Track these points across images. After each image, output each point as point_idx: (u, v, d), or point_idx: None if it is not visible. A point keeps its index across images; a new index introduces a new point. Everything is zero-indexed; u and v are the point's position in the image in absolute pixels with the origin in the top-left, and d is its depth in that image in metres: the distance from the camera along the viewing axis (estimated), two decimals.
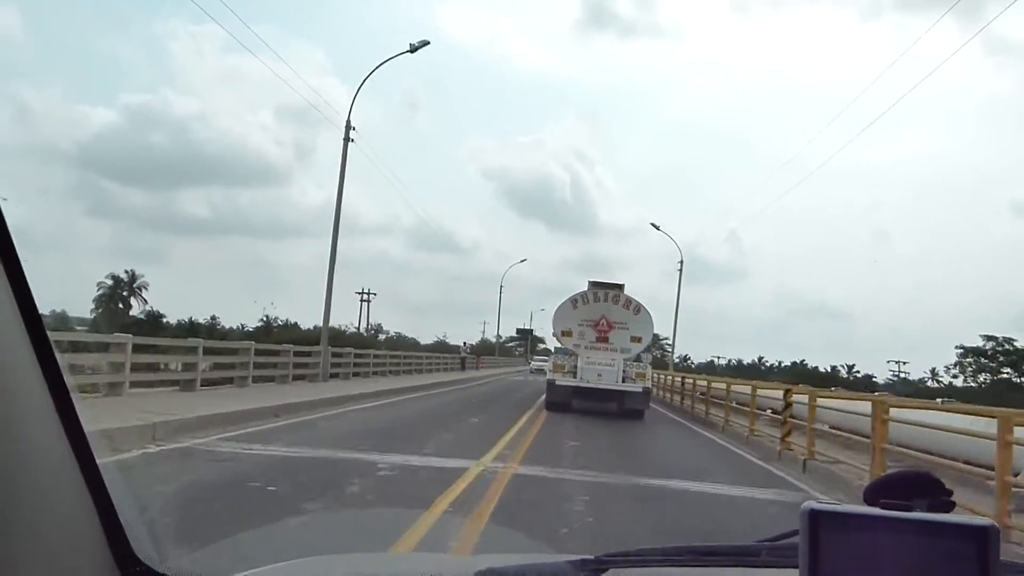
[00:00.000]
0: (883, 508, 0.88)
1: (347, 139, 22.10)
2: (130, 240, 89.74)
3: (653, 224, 42.02)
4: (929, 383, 67.76)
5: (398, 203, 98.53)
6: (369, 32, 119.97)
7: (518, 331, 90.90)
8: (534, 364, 56.82)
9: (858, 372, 73.18)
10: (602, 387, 18.81)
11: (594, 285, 20.26)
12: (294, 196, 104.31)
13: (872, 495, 0.96)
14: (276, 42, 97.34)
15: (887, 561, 0.82)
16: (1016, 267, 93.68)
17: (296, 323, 46.76)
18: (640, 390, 18.83)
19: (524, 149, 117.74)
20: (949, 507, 0.98)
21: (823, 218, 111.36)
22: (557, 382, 19.04)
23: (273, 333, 40.94)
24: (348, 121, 22.09)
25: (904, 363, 74.69)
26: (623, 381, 18.82)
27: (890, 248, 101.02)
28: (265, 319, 48.36)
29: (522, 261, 59.96)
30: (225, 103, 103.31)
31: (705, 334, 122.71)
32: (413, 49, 21.93)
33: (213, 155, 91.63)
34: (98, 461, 1.03)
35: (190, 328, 45.57)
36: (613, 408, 19.08)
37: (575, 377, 18.96)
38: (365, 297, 73.52)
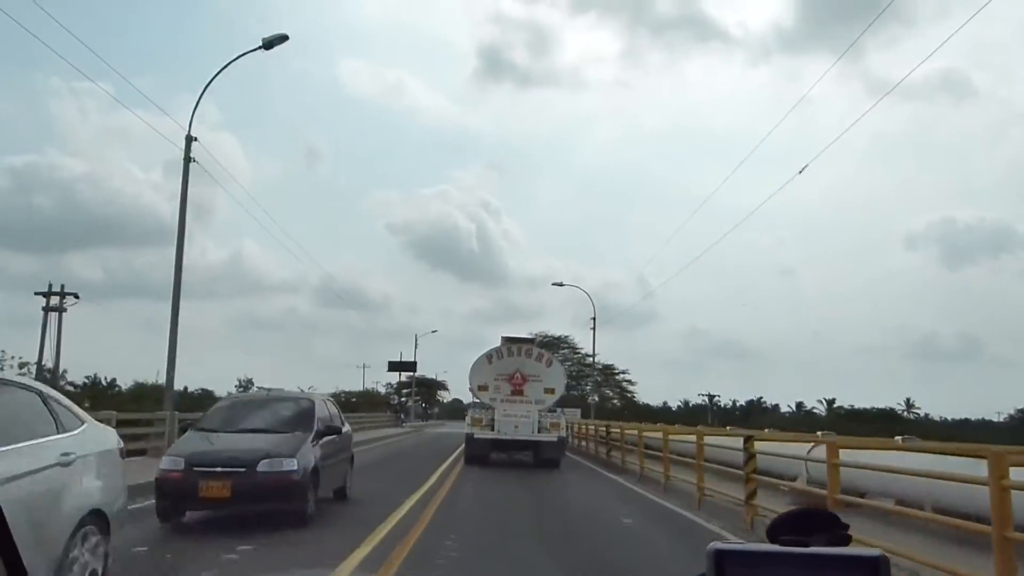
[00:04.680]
0: (783, 545, 0.94)
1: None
2: (15, 306, 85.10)
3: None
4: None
5: (303, 259, 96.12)
6: (267, 85, 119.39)
7: (392, 365, 61.31)
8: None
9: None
10: (519, 438, 19.66)
11: (507, 340, 21.38)
12: (192, 256, 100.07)
13: (773, 532, 1.02)
14: (165, 96, 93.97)
15: None
16: (912, 297, 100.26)
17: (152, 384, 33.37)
18: (555, 439, 19.80)
19: (431, 201, 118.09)
20: (846, 540, 1.02)
21: (731, 258, 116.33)
22: (476, 435, 19.74)
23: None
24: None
25: None
26: (539, 432, 19.74)
27: (795, 284, 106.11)
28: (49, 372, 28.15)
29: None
30: (113, 161, 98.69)
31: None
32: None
33: (103, 216, 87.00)
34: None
35: None
36: (529, 458, 19.93)
37: (493, 430, 19.76)
38: (54, 303, 35.83)
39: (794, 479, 11.27)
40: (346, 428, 11.53)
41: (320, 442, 9.52)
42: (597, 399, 48.48)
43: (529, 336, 21.90)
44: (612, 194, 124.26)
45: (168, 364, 18.06)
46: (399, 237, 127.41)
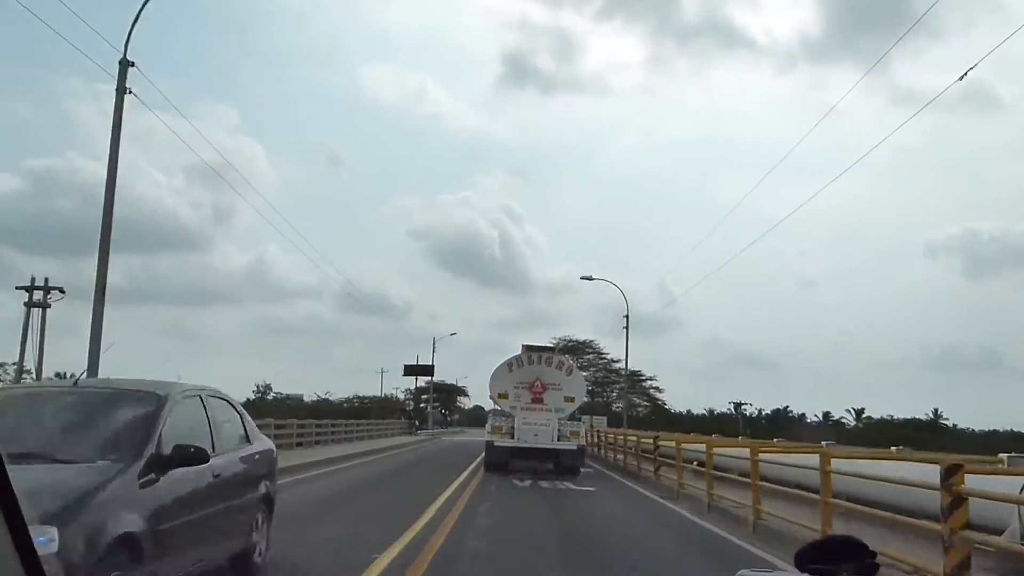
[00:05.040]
0: (811, 574, 0.96)
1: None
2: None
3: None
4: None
5: (324, 265, 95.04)
6: (287, 91, 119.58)
7: (408, 368, 58.23)
8: None
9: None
10: (539, 446, 19.58)
11: (528, 348, 21.42)
12: (215, 261, 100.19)
13: (801, 561, 1.03)
14: (188, 100, 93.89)
15: None
16: (934, 308, 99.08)
17: None
18: (575, 448, 19.67)
19: (453, 207, 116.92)
20: (873, 569, 1.04)
21: (752, 268, 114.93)
22: (496, 443, 19.71)
23: None
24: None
25: None
26: (559, 440, 19.62)
27: (816, 294, 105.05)
28: None
29: None
30: (135, 165, 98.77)
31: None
32: None
33: (124, 220, 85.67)
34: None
35: None
36: (550, 466, 19.83)
37: (513, 438, 19.69)
38: (36, 298, 34.23)
39: (999, 531, 6.86)
40: (253, 448, 6.64)
41: (162, 480, 4.77)
42: (624, 406, 47.08)
43: (550, 344, 21.79)
44: (636, 201, 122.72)
45: (90, 351, 14.26)
46: (421, 243, 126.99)
